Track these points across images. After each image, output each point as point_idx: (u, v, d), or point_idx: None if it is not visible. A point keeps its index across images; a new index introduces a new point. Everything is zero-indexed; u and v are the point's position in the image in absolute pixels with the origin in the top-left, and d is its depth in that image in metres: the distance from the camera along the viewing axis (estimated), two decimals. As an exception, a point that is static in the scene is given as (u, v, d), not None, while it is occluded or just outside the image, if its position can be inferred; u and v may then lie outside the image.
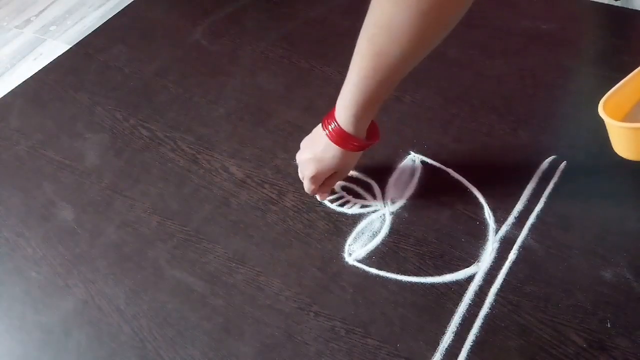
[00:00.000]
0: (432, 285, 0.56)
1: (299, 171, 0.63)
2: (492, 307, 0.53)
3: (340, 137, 0.56)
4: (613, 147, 0.58)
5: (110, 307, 0.60)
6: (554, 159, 0.64)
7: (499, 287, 0.55)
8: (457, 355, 0.51)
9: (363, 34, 0.48)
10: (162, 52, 0.94)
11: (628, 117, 0.61)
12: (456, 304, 0.54)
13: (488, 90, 0.75)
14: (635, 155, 0.56)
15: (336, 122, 0.56)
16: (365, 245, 0.60)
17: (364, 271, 0.58)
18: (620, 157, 0.57)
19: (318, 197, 0.65)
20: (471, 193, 0.63)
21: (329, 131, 0.56)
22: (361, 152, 0.60)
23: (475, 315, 0.53)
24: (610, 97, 0.57)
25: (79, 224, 0.69)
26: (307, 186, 0.62)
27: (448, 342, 0.52)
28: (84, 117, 0.85)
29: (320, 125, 0.59)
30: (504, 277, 0.55)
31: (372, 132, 0.59)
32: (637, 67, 0.60)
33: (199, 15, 1.01)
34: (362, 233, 0.62)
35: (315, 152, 0.59)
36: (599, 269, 0.54)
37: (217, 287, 0.60)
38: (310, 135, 0.61)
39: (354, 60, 0.51)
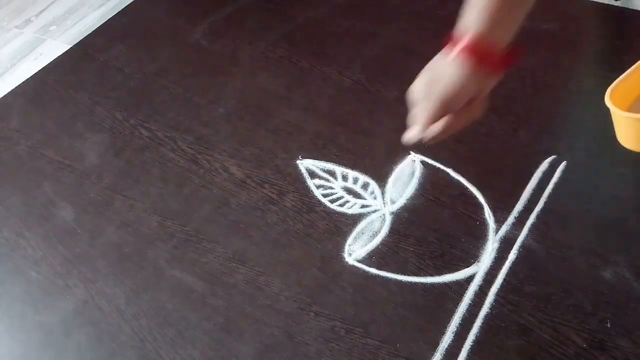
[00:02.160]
0: (432, 285, 0.56)
1: (413, 101, 0.49)
2: (492, 307, 0.53)
3: (472, 51, 0.43)
4: (617, 137, 0.57)
5: (110, 307, 0.60)
6: (554, 159, 0.64)
7: (499, 287, 0.55)
8: (457, 355, 0.51)
9: None
10: (162, 52, 0.94)
11: (633, 107, 0.60)
12: (456, 304, 0.54)
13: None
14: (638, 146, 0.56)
15: (464, 31, 0.43)
16: (365, 245, 0.61)
17: (364, 271, 0.58)
18: (624, 148, 0.57)
19: (425, 135, 0.48)
20: (471, 193, 0.63)
21: (457, 49, 0.43)
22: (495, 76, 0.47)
23: (475, 315, 0.53)
24: (616, 86, 0.57)
25: (79, 224, 0.69)
26: (421, 117, 0.47)
27: (448, 342, 0.52)
28: (84, 117, 0.85)
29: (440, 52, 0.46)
30: (504, 277, 0.55)
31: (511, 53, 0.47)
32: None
33: (199, 15, 1.01)
34: (362, 233, 0.62)
35: (435, 74, 0.46)
36: (599, 269, 0.54)
37: (217, 287, 0.60)
38: (431, 63, 0.47)
39: None
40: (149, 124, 0.81)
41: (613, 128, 0.56)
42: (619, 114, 0.55)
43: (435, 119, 0.47)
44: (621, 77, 0.58)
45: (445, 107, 0.46)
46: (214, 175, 0.72)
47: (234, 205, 0.67)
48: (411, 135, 0.49)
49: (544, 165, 0.64)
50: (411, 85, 0.47)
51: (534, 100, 0.72)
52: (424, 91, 0.47)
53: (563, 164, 0.64)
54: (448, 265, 0.57)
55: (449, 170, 0.66)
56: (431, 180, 0.65)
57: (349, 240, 0.61)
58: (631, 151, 0.58)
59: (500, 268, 0.56)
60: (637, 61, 0.60)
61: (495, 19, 0.44)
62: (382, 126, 0.73)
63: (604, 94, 0.57)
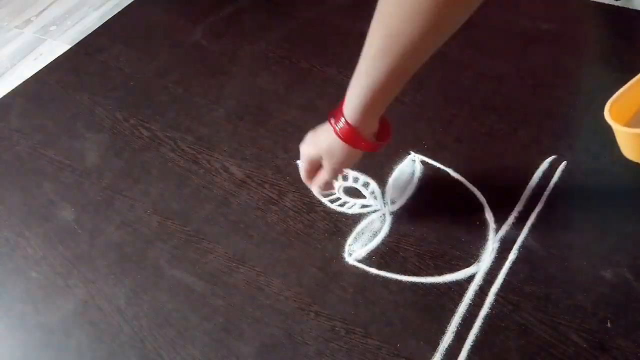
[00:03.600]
0: (432, 285, 0.56)
1: (300, 163, 0.59)
2: (492, 307, 0.53)
3: (349, 135, 0.52)
4: (621, 150, 0.57)
5: (110, 307, 0.60)
6: (554, 159, 0.64)
7: (499, 287, 0.55)
8: (457, 355, 0.51)
9: (375, 16, 0.45)
10: (162, 52, 0.94)
11: (634, 120, 0.60)
12: (456, 304, 0.54)
13: (488, 90, 0.75)
14: None
15: (344, 118, 0.52)
16: (366, 245, 0.61)
17: (364, 271, 0.58)
18: (627, 159, 0.57)
19: (315, 191, 0.61)
20: (471, 193, 0.63)
21: (337, 128, 0.52)
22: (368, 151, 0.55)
23: (475, 315, 0.53)
24: (616, 100, 0.57)
25: (79, 224, 0.69)
26: (304, 178, 0.60)
27: (448, 342, 0.52)
28: (84, 117, 0.85)
29: (327, 121, 0.54)
30: (504, 277, 0.55)
31: (384, 130, 0.55)
32: (638, 66, 0.60)
33: (199, 15, 1.01)
34: (362, 233, 0.62)
35: (320, 147, 0.55)
36: (599, 269, 0.54)
37: (217, 287, 0.60)
38: (316, 129, 0.57)
39: (364, 49, 0.48)
40: (149, 124, 0.81)
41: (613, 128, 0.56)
42: (620, 129, 0.55)
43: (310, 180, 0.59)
44: (620, 91, 0.58)
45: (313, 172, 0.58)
46: (214, 175, 0.72)
47: (234, 205, 0.67)
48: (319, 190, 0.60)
49: (544, 165, 0.64)
50: (302, 145, 0.57)
51: (534, 100, 0.72)
52: (304, 161, 0.57)
53: (563, 164, 0.64)
54: (448, 265, 0.57)
55: (449, 170, 0.66)
56: (431, 180, 0.65)
57: (349, 240, 0.61)
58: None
59: (500, 268, 0.56)
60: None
61: (369, 113, 0.51)
62: (382, 126, 0.73)
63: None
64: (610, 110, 0.56)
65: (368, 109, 0.51)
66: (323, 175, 0.58)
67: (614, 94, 0.57)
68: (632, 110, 0.61)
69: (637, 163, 0.57)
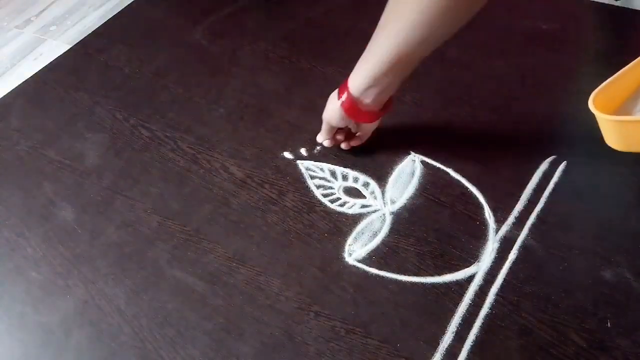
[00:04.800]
0: (432, 285, 0.56)
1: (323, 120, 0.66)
2: (492, 307, 0.53)
3: (351, 108, 0.59)
4: (605, 140, 0.58)
5: (110, 307, 0.60)
6: (554, 159, 0.64)
7: (499, 287, 0.55)
8: (457, 355, 0.51)
9: (389, 3, 0.49)
10: (162, 52, 0.94)
11: (619, 111, 0.61)
12: (456, 304, 0.54)
13: (488, 90, 0.75)
14: (624, 147, 0.56)
15: (348, 91, 0.58)
16: (366, 245, 0.61)
17: (364, 271, 0.58)
18: (613, 149, 0.57)
19: (326, 143, 0.69)
20: (471, 193, 0.63)
21: (342, 101, 0.60)
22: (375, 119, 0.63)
23: (475, 315, 0.53)
24: (601, 91, 0.57)
25: (79, 224, 0.69)
26: (322, 136, 0.68)
27: (448, 342, 0.52)
28: (84, 117, 0.85)
29: (337, 90, 0.62)
30: (504, 277, 0.55)
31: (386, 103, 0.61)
32: None
33: (199, 15, 1.01)
34: (362, 233, 0.62)
35: (331, 110, 0.63)
36: (599, 269, 0.54)
37: (217, 287, 0.60)
38: (333, 94, 0.64)
39: (375, 33, 0.52)
40: (149, 124, 0.81)
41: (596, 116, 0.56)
42: (602, 117, 0.55)
43: (329, 135, 0.67)
44: (606, 82, 0.58)
45: (333, 131, 0.67)
46: (214, 175, 0.72)
47: (234, 205, 0.67)
48: (318, 139, 0.69)
49: (544, 165, 0.64)
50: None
51: (534, 100, 0.72)
52: (325, 117, 0.65)
53: (563, 164, 0.64)
54: (448, 265, 0.57)
55: (449, 170, 0.66)
56: (431, 180, 0.65)
57: (349, 240, 0.61)
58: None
59: (500, 268, 0.56)
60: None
61: (374, 89, 0.57)
62: (382, 126, 0.73)
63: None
64: (594, 101, 0.56)
65: (373, 85, 0.56)
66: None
67: (599, 86, 0.57)
68: (617, 102, 0.61)
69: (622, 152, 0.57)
